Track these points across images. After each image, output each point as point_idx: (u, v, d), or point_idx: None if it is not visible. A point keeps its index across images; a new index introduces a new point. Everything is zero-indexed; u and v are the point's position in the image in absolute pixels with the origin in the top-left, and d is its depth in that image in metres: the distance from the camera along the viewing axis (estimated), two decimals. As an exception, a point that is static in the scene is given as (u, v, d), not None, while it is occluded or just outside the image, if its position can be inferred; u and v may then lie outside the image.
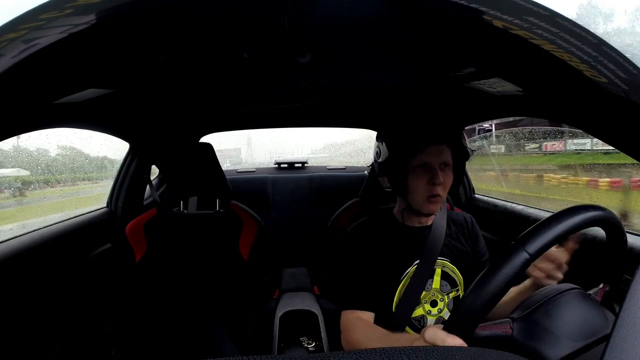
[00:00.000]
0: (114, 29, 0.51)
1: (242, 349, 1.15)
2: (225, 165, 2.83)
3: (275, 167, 2.32)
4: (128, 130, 1.37)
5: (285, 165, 2.31)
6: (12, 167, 1.58)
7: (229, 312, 1.20)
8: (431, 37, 0.67)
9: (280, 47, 0.75)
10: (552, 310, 0.45)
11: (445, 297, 0.82)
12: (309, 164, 2.36)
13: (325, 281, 1.55)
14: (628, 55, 0.32)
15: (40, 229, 1.10)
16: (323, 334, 1.23)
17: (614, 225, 0.46)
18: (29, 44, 0.34)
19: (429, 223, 0.86)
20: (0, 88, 0.54)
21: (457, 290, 0.84)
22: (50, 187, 1.82)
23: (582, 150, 2.05)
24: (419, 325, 0.81)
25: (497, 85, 0.88)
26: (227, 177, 1.24)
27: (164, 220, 1.25)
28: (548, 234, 0.41)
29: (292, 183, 2.13)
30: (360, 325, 0.74)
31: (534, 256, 0.40)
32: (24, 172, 1.67)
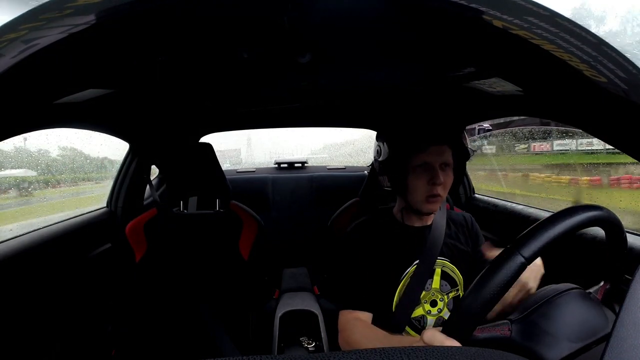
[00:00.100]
0: (114, 29, 0.51)
1: (242, 349, 1.15)
2: (225, 165, 2.83)
3: (275, 167, 2.32)
4: (128, 130, 1.37)
5: (285, 165, 2.31)
6: (20, 167, 1.61)
7: (229, 312, 1.20)
8: (431, 37, 0.67)
9: (279, 47, 0.75)
10: (550, 311, 0.45)
11: (445, 297, 0.82)
12: (309, 164, 2.36)
13: (325, 281, 1.55)
14: (628, 55, 0.32)
15: (40, 228, 1.10)
16: (323, 334, 1.23)
17: (613, 224, 0.46)
18: (28, 44, 0.34)
19: (429, 223, 0.86)
20: (0, 88, 0.54)
21: (457, 290, 0.84)
22: (51, 187, 1.84)
23: (566, 150, 2.17)
24: (418, 325, 0.81)
25: (497, 85, 0.88)
26: (227, 177, 1.24)
27: (164, 220, 1.25)
28: (544, 237, 0.40)
29: (292, 183, 2.13)
30: (359, 326, 0.74)
31: (530, 259, 0.40)
32: (31, 173, 1.71)
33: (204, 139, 1.95)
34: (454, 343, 0.41)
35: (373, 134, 2.21)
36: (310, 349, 1.21)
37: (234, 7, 0.54)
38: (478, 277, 0.41)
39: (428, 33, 0.65)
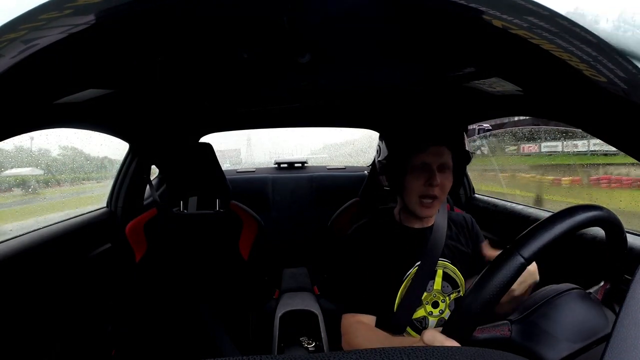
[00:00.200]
0: (114, 29, 0.51)
1: (242, 349, 1.15)
2: (225, 165, 2.83)
3: (275, 167, 2.32)
4: (128, 130, 1.37)
5: (285, 165, 2.31)
6: (26, 166, 1.65)
7: (229, 312, 1.20)
8: (431, 37, 0.67)
9: (279, 47, 0.75)
10: (550, 311, 0.45)
11: (447, 298, 0.82)
12: (309, 164, 2.36)
13: (325, 281, 1.55)
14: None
15: (40, 228, 1.10)
16: (323, 334, 1.22)
17: (613, 224, 0.46)
18: (28, 44, 0.34)
19: (430, 224, 0.86)
20: (0, 88, 0.54)
21: (459, 291, 0.84)
22: (59, 186, 1.87)
23: (553, 152, 2.30)
24: (420, 327, 0.81)
25: (497, 85, 0.88)
26: (227, 177, 1.24)
27: (164, 220, 1.24)
28: (544, 237, 0.40)
29: (292, 183, 2.13)
30: (362, 329, 0.74)
31: (530, 260, 0.40)
32: (38, 172, 1.74)
33: (204, 139, 1.95)
34: (454, 343, 0.41)
35: (373, 134, 2.22)
36: (310, 349, 1.21)
37: (233, 7, 0.54)
38: (478, 277, 0.41)
39: (428, 33, 0.65)
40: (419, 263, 0.81)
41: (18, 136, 0.81)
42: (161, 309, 1.18)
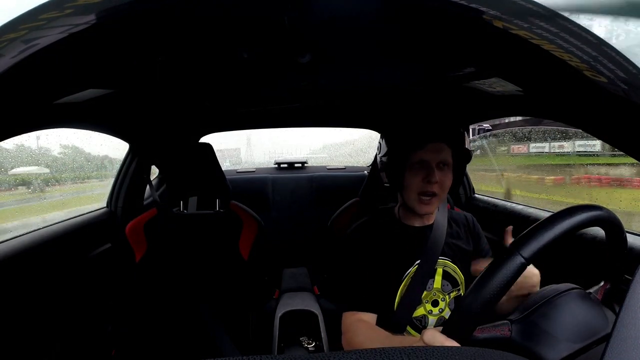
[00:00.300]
0: (114, 29, 0.51)
1: (242, 349, 1.15)
2: (225, 164, 2.83)
3: (275, 167, 2.32)
4: (128, 130, 1.37)
5: (285, 165, 2.31)
6: (33, 165, 1.71)
7: (229, 312, 1.20)
8: (431, 37, 0.67)
9: (280, 47, 0.75)
10: (550, 311, 0.45)
11: (447, 296, 0.82)
12: (309, 164, 2.37)
13: (325, 281, 1.55)
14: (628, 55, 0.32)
15: (40, 228, 1.10)
16: (323, 334, 1.23)
17: (613, 224, 0.46)
18: (29, 44, 0.34)
19: (430, 222, 0.86)
20: (0, 88, 0.54)
21: (459, 290, 0.84)
22: (62, 184, 1.90)
23: (541, 152, 2.43)
24: (420, 325, 0.81)
25: (497, 85, 0.88)
26: (227, 177, 1.24)
27: (164, 220, 1.25)
28: (544, 237, 0.40)
29: (292, 183, 2.13)
30: (362, 328, 0.74)
31: (530, 260, 0.40)
32: (45, 170, 1.79)
33: (204, 139, 1.95)
34: (454, 343, 0.41)
35: (373, 134, 2.22)
36: (310, 349, 1.21)
37: (234, 7, 0.54)
38: (478, 277, 0.41)
39: (428, 33, 0.65)
40: (418, 261, 0.81)
41: (23, 136, 0.81)
42: (161, 309, 1.18)
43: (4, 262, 0.89)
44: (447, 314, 0.82)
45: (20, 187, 1.66)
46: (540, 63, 0.53)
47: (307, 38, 0.71)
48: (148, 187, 1.50)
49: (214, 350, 1.10)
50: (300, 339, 1.25)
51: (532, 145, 2.48)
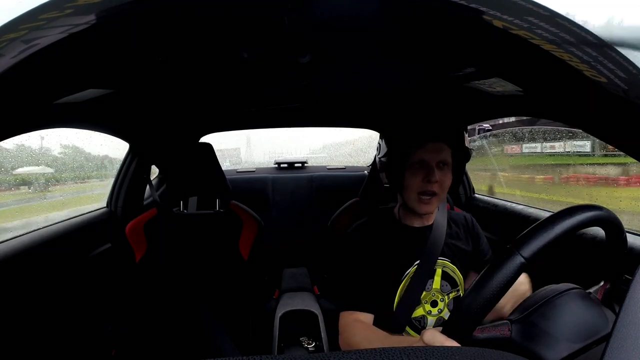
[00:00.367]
0: (114, 29, 0.51)
1: (242, 349, 1.15)
2: (225, 164, 2.83)
3: (275, 167, 2.32)
4: (128, 130, 1.37)
5: (285, 165, 2.31)
6: (39, 164, 1.75)
7: (229, 312, 1.20)
8: (431, 37, 0.67)
9: (280, 47, 0.75)
10: (550, 311, 0.45)
11: (446, 297, 0.82)
12: (309, 164, 2.37)
13: (325, 281, 1.55)
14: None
15: (41, 228, 1.10)
16: (323, 334, 1.23)
17: (612, 224, 0.46)
18: (29, 44, 0.34)
19: (430, 223, 0.86)
20: (0, 88, 0.54)
21: (458, 291, 0.84)
22: (57, 185, 1.92)
23: (533, 153, 2.55)
24: (419, 326, 0.81)
25: (497, 85, 0.88)
26: (227, 177, 1.24)
27: (164, 220, 1.25)
28: (543, 237, 0.40)
29: (292, 183, 2.13)
30: (360, 328, 0.74)
31: (530, 260, 0.40)
32: (49, 170, 1.83)
33: (204, 139, 1.95)
34: (453, 343, 0.41)
35: (373, 134, 2.22)
36: (310, 349, 1.21)
37: (234, 7, 0.54)
38: (478, 277, 0.41)
39: (428, 33, 0.65)
40: (418, 262, 0.81)
41: (25, 136, 0.82)
42: (161, 309, 1.18)
43: (4, 262, 0.89)
44: (446, 314, 0.82)
45: (21, 187, 1.68)
46: (540, 63, 0.53)
47: (307, 38, 0.71)
48: (148, 187, 1.50)
49: (214, 350, 1.10)
50: (300, 339, 1.25)
51: (525, 145, 2.58)
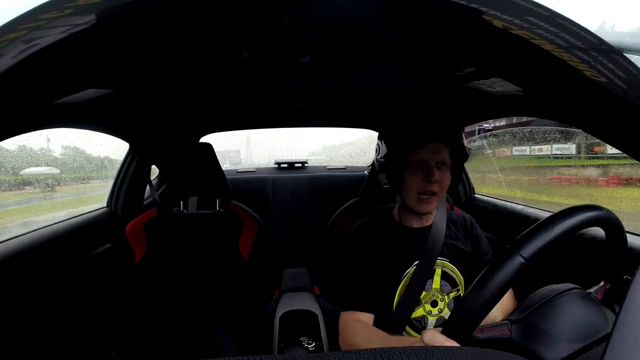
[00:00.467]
0: (114, 29, 0.51)
1: (242, 349, 1.15)
2: (225, 165, 2.83)
3: (275, 167, 2.32)
4: (128, 130, 1.37)
5: (285, 165, 2.31)
6: (45, 165, 1.81)
7: (229, 312, 1.20)
8: (431, 37, 0.67)
9: (280, 47, 0.75)
10: (550, 311, 0.45)
11: (446, 297, 0.82)
12: (309, 164, 2.37)
13: (325, 281, 1.55)
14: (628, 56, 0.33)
15: (41, 228, 1.10)
16: (323, 334, 1.22)
17: (612, 224, 0.46)
18: (29, 44, 0.34)
19: (429, 223, 0.86)
20: (0, 88, 0.54)
21: (458, 290, 0.84)
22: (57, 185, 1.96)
23: (522, 155, 2.70)
24: (419, 326, 0.81)
25: (497, 85, 0.88)
26: (227, 177, 1.24)
27: (164, 220, 1.24)
28: (543, 237, 0.40)
29: (292, 183, 2.13)
30: (360, 328, 0.74)
31: (530, 260, 0.40)
32: (55, 170, 1.87)
33: (204, 139, 1.95)
34: (453, 344, 0.41)
35: (372, 134, 2.22)
36: (310, 349, 1.21)
37: (234, 7, 0.54)
38: (478, 277, 0.41)
39: (428, 33, 0.65)
40: (417, 262, 0.81)
41: (26, 137, 0.82)
42: (161, 309, 1.18)
43: (4, 262, 0.89)
44: (446, 314, 0.82)
45: (27, 187, 1.70)
46: (540, 63, 0.53)
47: (307, 38, 0.71)
48: (148, 187, 1.50)
49: (214, 350, 1.10)
50: (300, 339, 1.25)
51: (515, 148, 2.72)
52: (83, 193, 2.05)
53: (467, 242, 0.89)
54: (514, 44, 0.43)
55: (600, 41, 0.32)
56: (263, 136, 3.16)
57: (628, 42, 0.31)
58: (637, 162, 0.59)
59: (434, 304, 0.82)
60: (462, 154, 0.83)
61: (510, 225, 1.30)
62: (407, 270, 0.81)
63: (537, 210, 1.26)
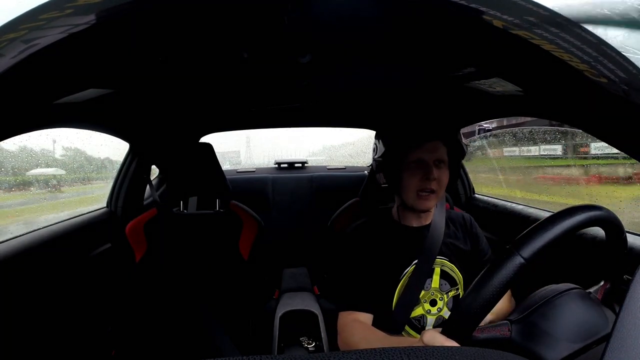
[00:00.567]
0: (114, 29, 0.51)
1: (242, 349, 1.15)
2: (225, 166, 2.83)
3: (275, 167, 2.32)
4: (128, 130, 1.37)
5: (285, 165, 2.31)
6: (51, 166, 1.86)
7: (229, 312, 1.20)
8: (431, 37, 0.67)
9: (280, 47, 0.75)
10: (550, 311, 0.45)
11: (445, 296, 0.82)
12: (309, 164, 2.37)
13: (325, 281, 1.55)
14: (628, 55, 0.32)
15: (41, 228, 1.10)
16: (323, 334, 1.22)
17: (612, 224, 0.46)
18: (29, 44, 0.34)
19: (428, 222, 0.87)
20: (0, 88, 0.54)
21: (457, 289, 0.84)
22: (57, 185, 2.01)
23: (511, 156, 2.83)
24: (418, 325, 0.81)
25: (497, 85, 0.88)
26: (227, 177, 1.24)
27: (164, 220, 1.24)
28: (543, 237, 0.40)
29: (292, 183, 2.13)
30: (359, 328, 0.74)
31: (529, 260, 0.40)
32: (61, 171, 1.91)
33: (204, 139, 1.95)
34: (453, 344, 0.41)
35: (372, 134, 2.22)
36: (310, 349, 1.20)
37: (234, 7, 0.54)
38: (477, 277, 0.41)
39: (428, 33, 0.65)
40: (416, 261, 0.81)
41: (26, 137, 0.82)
42: (161, 309, 1.18)
43: (4, 262, 0.89)
44: (445, 313, 0.82)
45: (28, 187, 1.73)
46: (540, 63, 0.53)
47: (307, 38, 0.71)
48: (148, 187, 1.50)
49: (214, 350, 1.10)
50: (300, 339, 1.25)
51: (505, 149, 2.85)
52: (90, 192, 2.09)
53: (466, 241, 0.89)
54: (514, 44, 0.43)
55: (600, 41, 0.32)
56: (263, 136, 3.16)
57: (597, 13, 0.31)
58: (638, 162, 0.59)
59: (433, 303, 0.82)
60: (459, 151, 0.84)
61: (510, 225, 1.30)
62: (407, 270, 0.81)
63: (537, 210, 1.26)
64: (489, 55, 0.71)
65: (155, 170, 1.80)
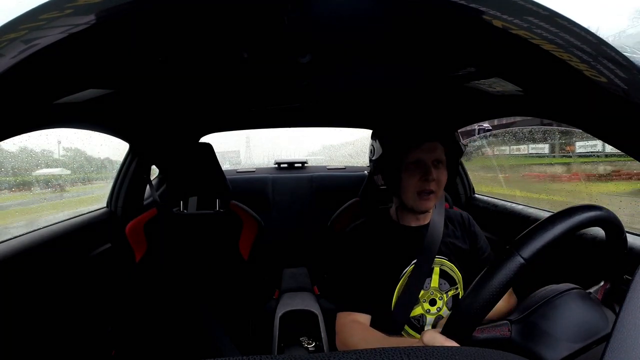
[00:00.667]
0: (114, 29, 0.51)
1: (242, 349, 1.15)
2: (225, 166, 2.83)
3: (275, 167, 2.32)
4: (128, 130, 1.37)
5: (285, 165, 2.31)
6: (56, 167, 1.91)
7: (229, 312, 1.20)
8: (431, 37, 0.67)
9: (280, 47, 0.75)
10: (550, 311, 0.45)
11: (444, 295, 0.82)
12: (309, 164, 2.37)
13: (325, 281, 1.55)
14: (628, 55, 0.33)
15: (41, 228, 1.10)
16: (323, 334, 1.22)
17: (612, 224, 0.46)
18: (29, 44, 0.34)
19: (426, 222, 0.87)
20: (0, 88, 0.54)
21: (456, 289, 0.84)
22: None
23: (502, 155, 2.92)
24: (418, 325, 0.81)
25: (497, 85, 0.88)
26: (227, 177, 1.24)
27: (164, 220, 1.24)
28: (543, 237, 0.40)
29: (292, 183, 2.13)
30: (357, 328, 0.74)
31: (529, 260, 0.40)
32: (66, 172, 1.96)
33: (204, 139, 1.95)
34: (453, 344, 0.41)
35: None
36: (310, 349, 1.20)
37: (234, 7, 0.54)
38: (477, 277, 0.41)
39: (428, 33, 0.65)
40: (415, 261, 0.81)
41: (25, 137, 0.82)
42: (161, 309, 1.18)
43: (4, 262, 0.89)
44: (444, 313, 0.82)
45: (34, 187, 1.74)
46: (540, 63, 0.53)
47: (307, 38, 0.71)
48: (148, 187, 1.50)
49: (214, 350, 1.10)
50: (300, 339, 1.25)
51: (497, 148, 2.94)
52: (90, 192, 2.12)
53: (465, 239, 0.89)
54: (514, 44, 0.43)
55: (600, 41, 0.32)
56: (263, 136, 3.17)
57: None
58: (638, 161, 0.59)
59: (433, 302, 0.82)
60: (457, 151, 0.84)
61: (510, 225, 1.30)
62: (406, 269, 0.81)
63: (537, 210, 1.26)
64: (489, 55, 0.71)
65: (155, 170, 1.80)
